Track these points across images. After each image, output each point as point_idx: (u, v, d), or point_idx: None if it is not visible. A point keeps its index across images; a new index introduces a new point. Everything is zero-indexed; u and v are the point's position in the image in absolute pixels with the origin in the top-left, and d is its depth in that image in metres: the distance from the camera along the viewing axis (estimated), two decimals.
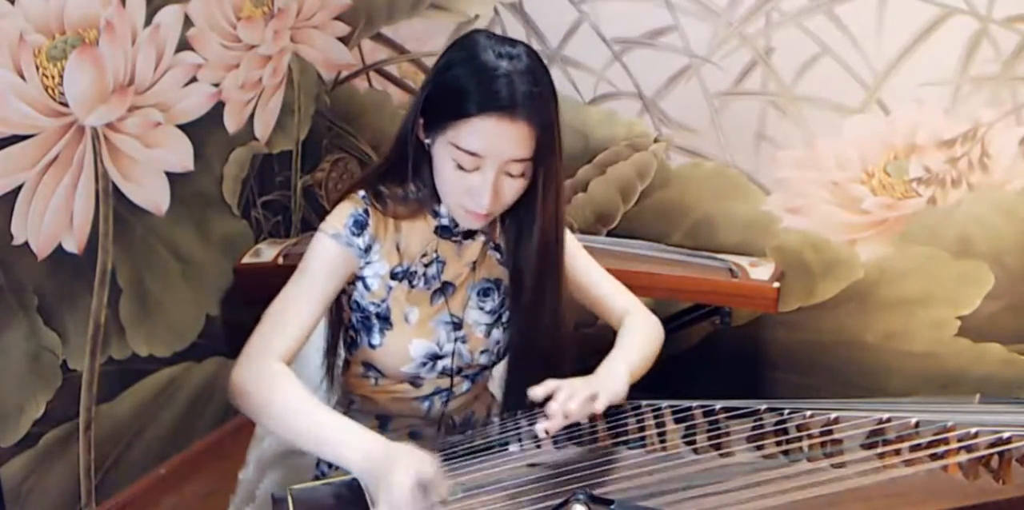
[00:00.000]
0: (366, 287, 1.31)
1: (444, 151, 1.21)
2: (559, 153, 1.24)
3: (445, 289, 1.34)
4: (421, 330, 1.33)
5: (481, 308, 1.37)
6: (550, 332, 1.35)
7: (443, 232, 1.33)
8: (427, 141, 1.25)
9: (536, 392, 1.20)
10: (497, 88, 1.16)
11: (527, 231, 1.30)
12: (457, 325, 1.35)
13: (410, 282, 1.32)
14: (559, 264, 1.35)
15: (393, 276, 1.31)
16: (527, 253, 1.31)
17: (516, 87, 1.17)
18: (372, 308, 1.32)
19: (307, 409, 1.17)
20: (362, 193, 1.29)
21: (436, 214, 1.31)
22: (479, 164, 1.19)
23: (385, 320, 1.32)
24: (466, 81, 1.18)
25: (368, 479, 1.10)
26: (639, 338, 1.39)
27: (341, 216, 1.28)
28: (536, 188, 1.25)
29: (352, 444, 1.12)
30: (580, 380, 1.23)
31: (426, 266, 1.33)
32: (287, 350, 1.23)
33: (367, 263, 1.29)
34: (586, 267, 1.44)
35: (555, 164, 1.24)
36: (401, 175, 1.30)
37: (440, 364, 1.34)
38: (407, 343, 1.32)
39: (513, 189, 1.23)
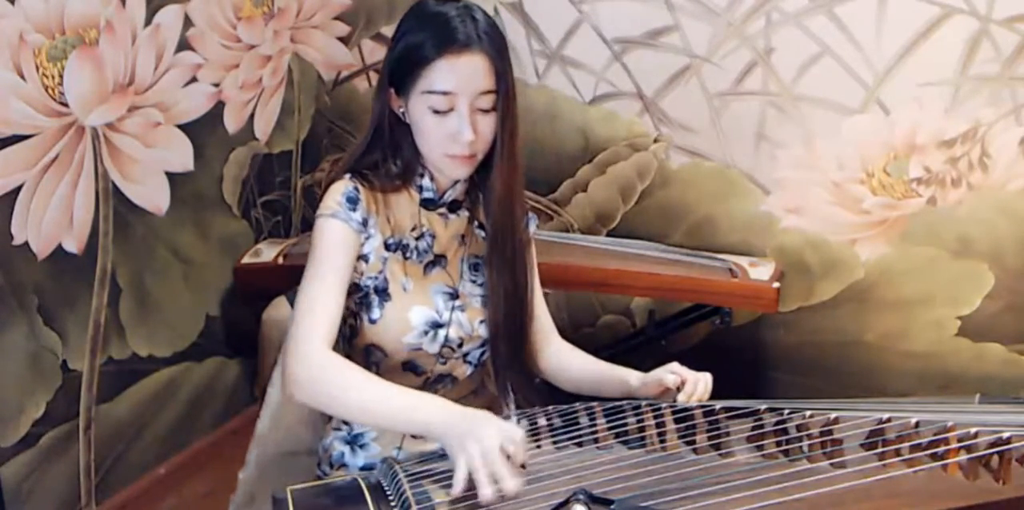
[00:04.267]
0: (365, 262, 1.35)
1: (419, 104, 1.28)
2: (513, 94, 1.31)
3: (438, 261, 1.40)
4: (420, 298, 1.37)
5: (473, 281, 1.42)
6: (519, 281, 1.40)
7: (428, 204, 1.38)
8: (401, 110, 1.32)
9: (670, 380, 1.33)
10: (451, 27, 1.26)
11: (490, 173, 1.35)
12: (453, 295, 1.39)
13: (404, 254, 1.37)
14: (519, 206, 1.40)
15: (387, 247, 1.35)
16: (491, 195, 1.36)
17: (467, 24, 1.26)
18: (370, 283, 1.35)
19: (377, 386, 1.20)
20: (348, 174, 1.35)
21: (420, 188, 1.37)
22: (452, 103, 1.27)
23: (383, 292, 1.35)
24: (420, 33, 1.28)
25: (451, 436, 1.12)
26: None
27: (334, 196, 1.32)
28: (498, 131, 1.31)
29: (429, 407, 1.16)
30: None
31: (417, 239, 1.38)
32: (331, 336, 1.25)
33: (367, 238, 1.33)
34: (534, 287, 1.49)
35: (512, 99, 1.31)
36: (380, 154, 1.36)
37: (441, 334, 1.37)
38: (407, 311, 1.35)
39: (488, 125, 1.29)
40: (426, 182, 1.37)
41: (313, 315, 1.25)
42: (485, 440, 1.07)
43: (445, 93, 1.26)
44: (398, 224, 1.36)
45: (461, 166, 1.32)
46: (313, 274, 1.28)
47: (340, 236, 1.30)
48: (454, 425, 1.11)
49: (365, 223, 1.32)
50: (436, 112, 1.27)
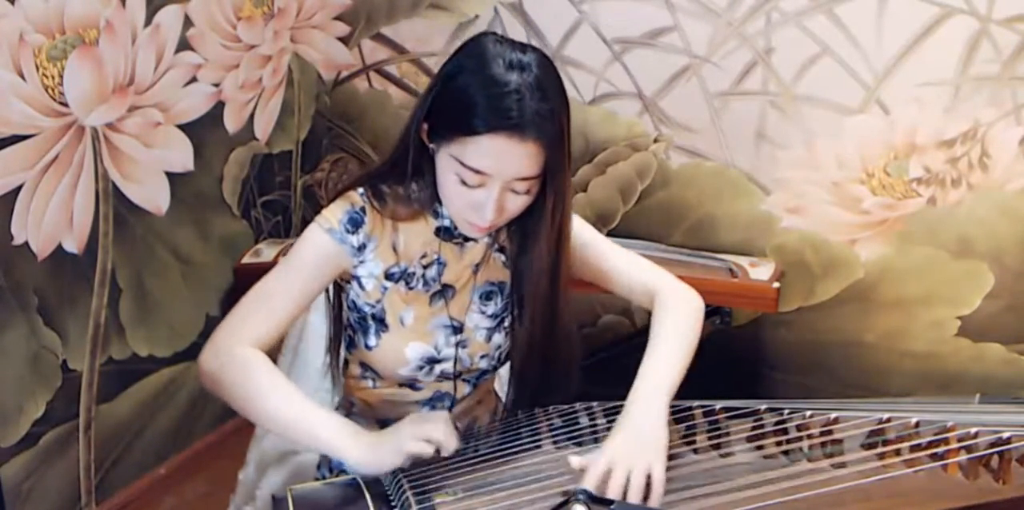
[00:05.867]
0: (361, 287, 1.29)
1: (447, 164, 1.17)
2: (568, 167, 1.20)
3: (445, 292, 1.31)
4: (418, 333, 1.30)
5: (483, 312, 1.34)
6: (553, 339, 1.33)
7: (444, 233, 1.30)
8: (431, 145, 1.21)
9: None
10: (507, 105, 1.11)
11: (532, 244, 1.27)
12: (457, 329, 1.32)
13: (407, 283, 1.29)
14: (562, 277, 1.31)
15: (388, 277, 1.28)
16: (531, 266, 1.28)
17: (526, 104, 1.12)
18: (367, 309, 1.30)
19: (281, 399, 1.17)
20: (361, 190, 1.27)
21: (437, 215, 1.28)
22: (483, 181, 1.15)
23: (380, 322, 1.30)
24: (474, 94, 1.14)
25: (365, 462, 1.12)
26: (671, 338, 1.29)
27: (337, 212, 1.25)
28: (543, 201, 1.22)
29: (339, 434, 1.14)
30: (620, 449, 1.12)
31: (425, 268, 1.30)
32: (259, 338, 1.21)
33: (361, 262, 1.27)
34: (605, 254, 1.39)
35: (563, 179, 1.20)
36: (403, 175, 1.26)
37: (438, 368, 1.32)
38: (403, 346, 1.30)
39: (517, 204, 1.19)
40: (444, 210, 1.27)
41: (252, 313, 1.22)
42: (400, 449, 1.12)
43: (478, 172, 1.14)
44: (406, 250, 1.28)
45: (476, 232, 1.23)
46: (278, 275, 1.25)
47: (323, 253, 1.25)
48: (368, 463, 1.12)
49: (362, 248, 1.25)
50: (463, 183, 1.16)
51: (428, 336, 1.31)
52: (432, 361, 1.32)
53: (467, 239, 1.31)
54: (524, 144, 1.12)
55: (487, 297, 1.34)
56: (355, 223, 1.25)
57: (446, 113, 1.17)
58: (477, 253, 1.33)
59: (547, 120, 1.13)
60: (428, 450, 1.12)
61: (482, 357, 1.35)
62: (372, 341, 1.31)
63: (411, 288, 1.30)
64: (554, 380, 1.36)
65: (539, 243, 1.26)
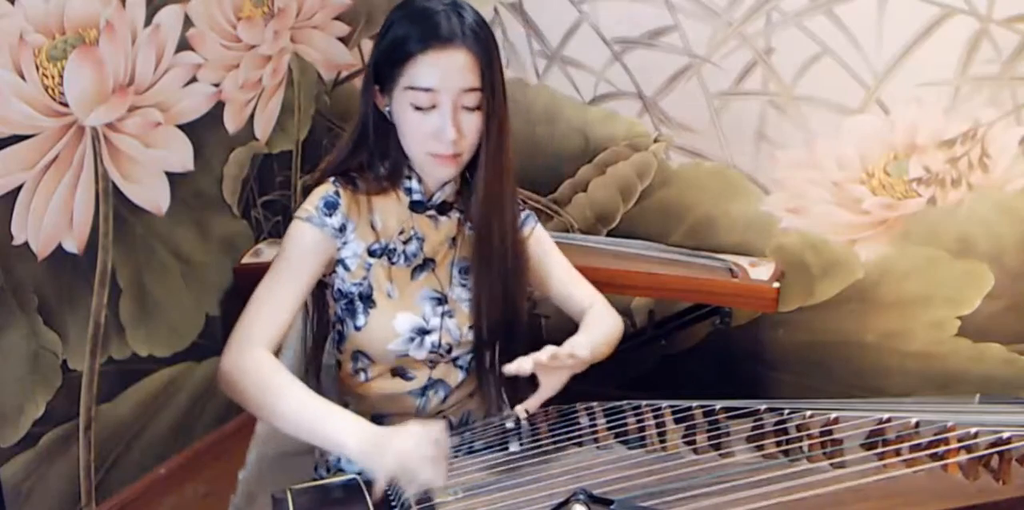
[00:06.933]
0: (346, 268, 1.33)
1: (402, 100, 1.26)
2: (503, 94, 1.29)
3: (426, 265, 1.37)
4: (405, 304, 1.35)
5: (463, 285, 1.39)
6: (507, 286, 1.38)
7: (417, 207, 1.35)
8: (387, 108, 1.29)
9: (510, 368, 1.21)
10: (436, 22, 1.23)
11: (478, 175, 1.33)
12: (442, 300, 1.37)
13: (390, 259, 1.34)
14: (507, 209, 1.37)
15: (371, 254, 1.33)
16: (477, 182, 1.34)
17: (453, 21, 1.24)
18: (354, 289, 1.34)
19: (295, 394, 1.20)
20: (332, 178, 1.34)
21: (408, 191, 1.35)
22: (435, 101, 1.24)
23: (368, 299, 1.34)
24: (406, 27, 1.25)
25: (366, 452, 1.12)
26: (600, 324, 1.42)
27: (313, 200, 1.32)
28: (484, 127, 1.29)
29: (344, 423, 1.16)
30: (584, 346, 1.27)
31: (404, 243, 1.35)
32: (271, 337, 1.26)
33: (344, 243, 1.32)
34: (554, 264, 1.48)
35: (499, 102, 1.28)
36: (366, 155, 1.35)
37: (428, 340, 1.35)
38: (391, 318, 1.33)
39: (472, 123, 1.27)
40: (414, 184, 1.34)
41: (258, 314, 1.27)
42: (405, 435, 1.11)
43: (427, 90, 1.23)
44: (385, 228, 1.34)
45: (444, 166, 1.29)
46: (273, 274, 1.29)
47: (308, 241, 1.29)
48: (367, 453, 1.12)
49: (343, 229, 1.31)
50: (418, 109, 1.25)
51: (415, 307, 1.35)
52: (422, 332, 1.35)
53: (440, 212, 1.37)
54: (459, 53, 1.23)
55: (465, 272, 1.40)
56: (331, 206, 1.31)
57: (388, 58, 1.27)
58: (451, 227, 1.38)
59: (476, 34, 1.25)
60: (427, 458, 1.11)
61: (470, 328, 1.39)
62: (361, 321, 1.34)
63: (393, 263, 1.35)
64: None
65: (481, 162, 1.31)
